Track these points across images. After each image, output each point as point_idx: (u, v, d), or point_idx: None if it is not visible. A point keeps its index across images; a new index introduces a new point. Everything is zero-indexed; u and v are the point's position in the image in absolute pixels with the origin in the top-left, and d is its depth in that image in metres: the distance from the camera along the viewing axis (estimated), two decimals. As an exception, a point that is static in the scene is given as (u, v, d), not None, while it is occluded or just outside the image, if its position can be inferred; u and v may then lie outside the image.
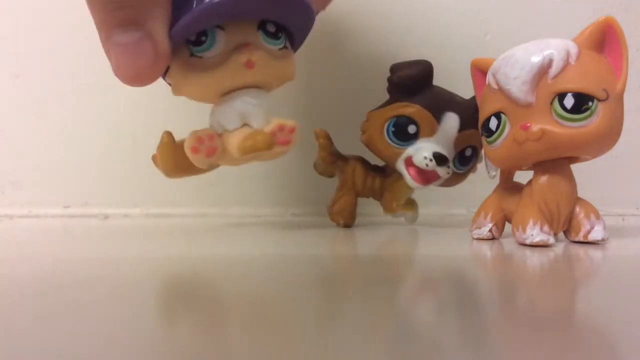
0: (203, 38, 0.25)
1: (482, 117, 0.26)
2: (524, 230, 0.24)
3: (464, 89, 0.31)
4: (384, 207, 0.34)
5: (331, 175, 0.35)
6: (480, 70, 0.28)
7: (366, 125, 0.32)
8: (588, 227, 0.24)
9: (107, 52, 0.22)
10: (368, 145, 0.33)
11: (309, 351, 0.10)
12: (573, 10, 0.43)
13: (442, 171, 0.30)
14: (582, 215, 0.24)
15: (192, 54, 0.25)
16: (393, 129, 0.31)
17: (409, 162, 0.31)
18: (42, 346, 0.10)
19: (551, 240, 0.24)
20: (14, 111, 0.44)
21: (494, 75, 0.25)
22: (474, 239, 0.27)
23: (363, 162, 0.34)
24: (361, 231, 0.32)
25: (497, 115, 0.25)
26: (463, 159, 0.32)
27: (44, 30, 0.44)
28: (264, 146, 0.25)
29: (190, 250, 0.23)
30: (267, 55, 0.26)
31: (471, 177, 0.34)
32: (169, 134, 0.28)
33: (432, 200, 0.42)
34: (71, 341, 0.11)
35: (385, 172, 0.34)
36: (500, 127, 0.25)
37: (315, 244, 0.27)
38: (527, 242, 0.24)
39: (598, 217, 0.24)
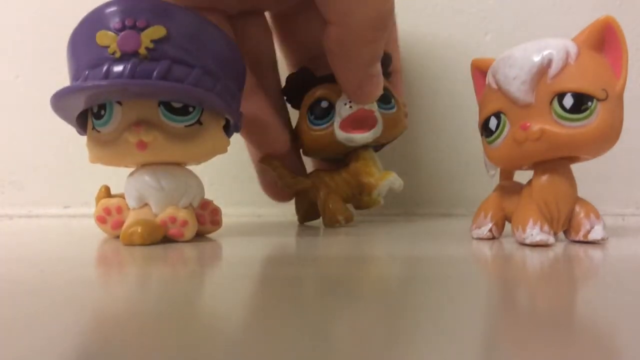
0: (102, 112, 0.24)
1: (482, 117, 0.26)
2: (524, 230, 0.24)
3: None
4: (368, 194, 0.34)
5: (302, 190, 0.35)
6: (480, 70, 0.28)
7: (300, 139, 0.34)
8: (588, 226, 0.24)
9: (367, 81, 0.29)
10: (310, 151, 0.34)
11: (309, 351, 0.10)
12: (573, 10, 0.43)
13: (368, 106, 0.31)
14: (582, 215, 0.24)
15: (93, 127, 0.24)
16: (312, 116, 0.33)
17: (343, 126, 0.32)
18: (43, 345, 0.10)
19: (551, 240, 0.24)
20: (14, 111, 0.44)
21: (493, 75, 0.25)
22: (474, 238, 0.27)
23: (321, 167, 0.36)
24: (361, 231, 0.32)
25: (497, 115, 0.25)
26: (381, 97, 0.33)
27: (44, 30, 0.44)
28: (139, 241, 0.23)
29: (190, 250, 0.23)
30: (165, 135, 0.23)
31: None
32: (106, 189, 0.27)
33: (432, 200, 0.42)
34: (71, 340, 0.11)
35: (345, 162, 0.34)
36: (500, 127, 0.25)
37: (315, 244, 0.27)
38: (527, 241, 0.24)
39: (598, 217, 0.24)
